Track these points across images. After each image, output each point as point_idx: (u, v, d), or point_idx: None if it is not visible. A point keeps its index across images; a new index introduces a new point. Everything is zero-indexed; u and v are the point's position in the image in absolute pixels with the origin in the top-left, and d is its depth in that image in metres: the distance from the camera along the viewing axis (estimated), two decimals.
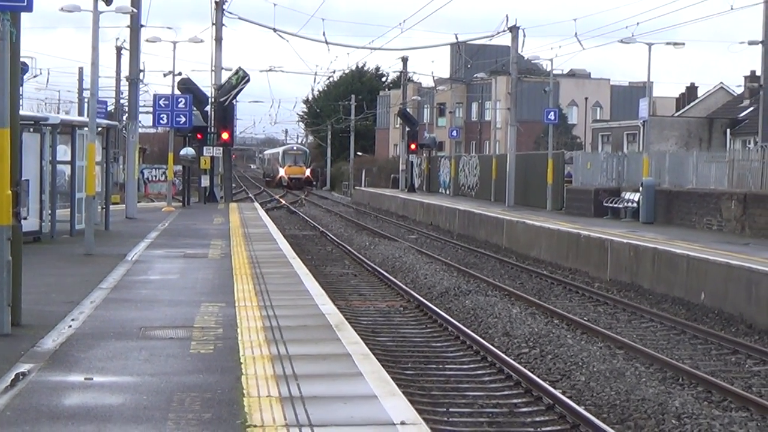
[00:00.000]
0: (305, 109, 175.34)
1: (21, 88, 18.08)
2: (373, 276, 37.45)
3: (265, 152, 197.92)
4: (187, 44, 63.29)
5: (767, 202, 39.62)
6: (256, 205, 70.98)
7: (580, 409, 17.34)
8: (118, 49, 75.71)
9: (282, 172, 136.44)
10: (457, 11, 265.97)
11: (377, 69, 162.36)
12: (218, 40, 64.37)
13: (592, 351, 23.04)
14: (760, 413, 17.92)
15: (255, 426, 10.95)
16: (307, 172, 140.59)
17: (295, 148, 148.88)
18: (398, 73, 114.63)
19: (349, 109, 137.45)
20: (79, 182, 36.60)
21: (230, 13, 64.80)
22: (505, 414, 17.88)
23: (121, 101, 68.19)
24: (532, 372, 20.26)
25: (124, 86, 63.31)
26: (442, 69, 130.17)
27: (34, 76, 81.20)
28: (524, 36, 65.84)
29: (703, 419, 17.08)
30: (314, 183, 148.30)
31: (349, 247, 47.71)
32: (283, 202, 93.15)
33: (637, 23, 68.62)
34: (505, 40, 68.30)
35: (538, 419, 17.53)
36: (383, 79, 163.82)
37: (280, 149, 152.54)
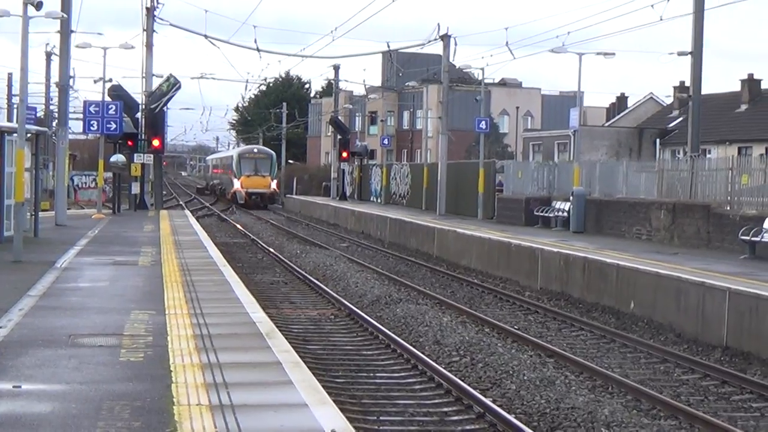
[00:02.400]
0: (236, 117, 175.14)
1: None
2: (304, 284, 37.43)
3: (211, 157, 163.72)
4: (118, 50, 62.87)
5: (696, 211, 39.97)
6: (187, 212, 70.71)
7: (511, 418, 17.41)
8: (48, 55, 75.62)
9: (237, 184, 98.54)
10: (388, 20, 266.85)
11: (298, 78, 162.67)
12: (149, 46, 64.24)
13: (523, 359, 23.14)
14: (688, 421, 18.06)
15: None
16: (273, 185, 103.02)
17: (255, 150, 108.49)
18: (329, 81, 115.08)
19: (280, 116, 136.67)
20: (8, 189, 36.24)
21: (161, 19, 64.72)
22: (436, 422, 17.93)
23: (51, 107, 67.95)
24: (462, 380, 20.32)
25: (54, 92, 63.10)
26: (374, 77, 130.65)
27: None
28: (456, 45, 66.02)
29: (633, 428, 17.22)
30: (278, 199, 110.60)
31: (280, 255, 47.67)
32: (214, 209, 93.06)
33: (568, 33, 68.81)
34: (437, 48, 68.65)
35: (468, 427, 17.58)
36: (306, 87, 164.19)
37: (234, 152, 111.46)
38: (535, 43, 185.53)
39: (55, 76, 61.30)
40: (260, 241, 55.83)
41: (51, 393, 12.96)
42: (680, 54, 48.94)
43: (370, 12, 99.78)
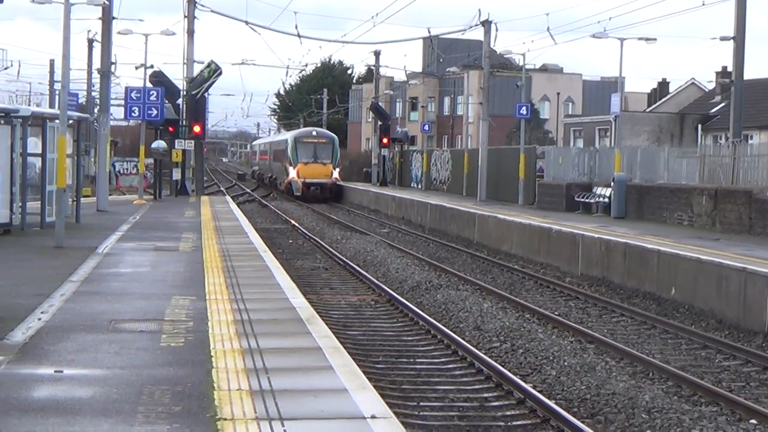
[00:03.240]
0: (277, 103, 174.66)
1: None
2: (344, 270, 37.44)
3: (258, 142, 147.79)
4: (159, 37, 63.31)
5: (738, 197, 39.74)
6: (228, 198, 70.95)
7: (551, 404, 17.36)
8: (90, 42, 75.53)
9: (293, 173, 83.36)
10: (429, 5, 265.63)
11: (341, 63, 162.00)
12: (190, 32, 64.33)
13: (563, 345, 23.08)
14: (729, 408, 17.97)
15: (225, 419, 10.93)
16: (335, 174, 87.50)
17: (314, 133, 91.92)
18: (369, 67, 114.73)
19: (321, 102, 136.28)
20: (50, 175, 36.42)
21: (202, 5, 64.84)
22: (476, 408, 17.89)
23: (93, 94, 68.01)
24: (503, 366, 20.27)
25: (96, 79, 63.10)
26: (415, 63, 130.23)
27: (5, 68, 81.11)
28: (497, 30, 65.93)
29: (673, 414, 17.12)
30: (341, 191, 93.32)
31: (320, 241, 47.70)
32: (255, 195, 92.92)
33: (609, 18, 68.78)
34: (478, 34, 68.40)
35: (508, 413, 17.54)
36: (349, 71, 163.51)
37: (289, 135, 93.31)
38: (577, 28, 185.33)
39: (96, 63, 61.39)
40: (301, 227, 55.89)
41: (92, 378, 13.00)
42: (722, 39, 48.62)
43: None
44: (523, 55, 71.64)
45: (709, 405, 18.25)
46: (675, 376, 20.21)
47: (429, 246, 48.23)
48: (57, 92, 59.52)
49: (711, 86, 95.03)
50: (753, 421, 17.17)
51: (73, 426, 10.72)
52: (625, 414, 17.28)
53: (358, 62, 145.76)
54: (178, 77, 64.76)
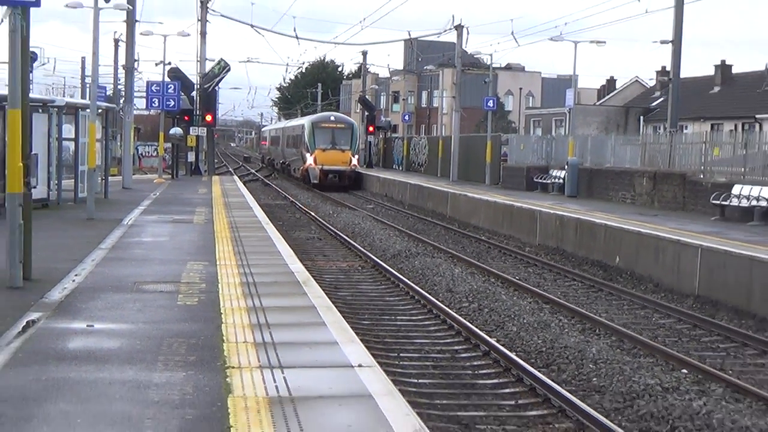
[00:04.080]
0: (278, 96, 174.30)
1: (31, 74, 18.03)
2: (335, 240, 37.43)
3: (270, 127, 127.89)
4: (176, 37, 63.41)
5: (673, 179, 39.90)
6: (235, 178, 70.70)
7: (512, 355, 17.45)
8: (116, 41, 75.32)
9: (310, 160, 71.65)
10: (409, 11, 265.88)
11: (333, 61, 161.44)
12: (203, 34, 64.18)
13: (523, 305, 23.17)
14: (664, 359, 18.10)
15: (233, 367, 11.01)
16: (354, 161, 74.54)
17: (332, 118, 77.96)
18: (358, 65, 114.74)
19: (315, 95, 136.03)
20: (82, 156, 36.62)
21: (213, 10, 64.69)
22: (448, 359, 18.00)
23: (119, 87, 67.84)
24: (471, 323, 20.36)
25: (121, 74, 63.05)
26: (397, 62, 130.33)
27: (42, 65, 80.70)
28: (468, 34, 65.97)
29: (616, 364, 17.23)
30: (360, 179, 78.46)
31: (315, 215, 47.62)
32: (259, 175, 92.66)
33: (565, 23, 69.69)
34: (452, 37, 68.10)
35: (475, 363, 17.64)
36: (340, 69, 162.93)
37: (306, 121, 78.76)
38: (537, 32, 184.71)
39: (121, 60, 61.31)
40: (298, 203, 55.79)
41: (118, 331, 13.08)
42: (662, 42, 48.55)
43: (393, 5, 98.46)
44: (491, 55, 71.67)
45: (647, 357, 18.38)
46: (618, 332, 20.34)
47: (408, 220, 48.19)
48: (88, 85, 59.42)
49: (652, 83, 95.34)
50: (684, 370, 17.26)
51: (102, 372, 10.79)
52: (575, 364, 17.38)
53: (348, 61, 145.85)
54: (192, 73, 64.74)
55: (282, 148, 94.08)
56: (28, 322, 13.26)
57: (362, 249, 33.43)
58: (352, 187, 70.60)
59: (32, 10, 17.19)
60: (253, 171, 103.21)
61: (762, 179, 34.07)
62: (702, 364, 17.61)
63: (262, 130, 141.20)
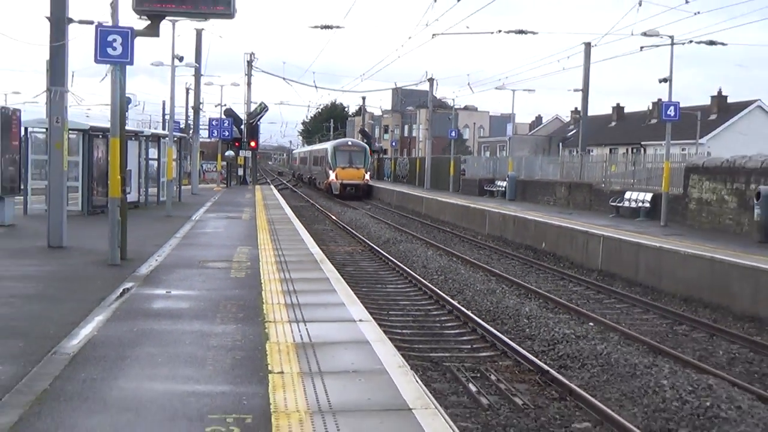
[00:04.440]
0: (302, 128, 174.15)
1: (126, 113, 17.96)
2: (343, 231, 37.34)
3: (299, 150, 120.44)
4: (229, 86, 63.31)
5: (583, 187, 39.95)
6: (272, 187, 70.65)
7: (469, 312, 17.46)
8: (187, 89, 75.00)
9: (332, 176, 69.10)
10: (396, 68, 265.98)
11: (341, 104, 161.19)
12: (248, 84, 64.07)
13: (476, 278, 23.13)
14: (576, 315, 18.13)
15: (270, 321, 11.06)
16: (366, 177, 71.29)
17: (350, 143, 75.24)
18: (359, 107, 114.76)
19: (329, 128, 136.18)
20: (163, 171, 36.83)
21: (256, 67, 64.42)
22: (423, 315, 17.96)
23: (189, 121, 67.80)
24: (439, 290, 20.35)
25: (190, 112, 63.02)
26: (386, 104, 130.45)
27: (135, 106, 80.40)
28: (437, 84, 66.30)
29: (543, 319, 17.22)
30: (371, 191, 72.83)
31: (329, 213, 47.53)
32: (289, 185, 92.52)
33: (506, 77, 69.47)
34: (426, 86, 68.10)
35: (442, 319, 17.62)
36: (345, 110, 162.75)
37: (329, 145, 75.26)
38: (487, 83, 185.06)
39: (191, 102, 61.32)
40: (317, 205, 55.62)
41: (188, 296, 13.10)
42: (575, 90, 48.81)
43: (384, 64, 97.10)
44: (453, 99, 72.87)
45: (565, 314, 18.39)
46: (544, 297, 20.33)
47: (394, 216, 48.04)
48: (167, 121, 59.51)
49: (567, 119, 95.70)
50: (591, 324, 17.31)
51: (177, 325, 10.83)
52: (514, 319, 17.37)
53: (352, 103, 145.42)
54: (241, 111, 64.57)
55: (309, 165, 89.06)
56: (123, 290, 13.30)
57: (362, 237, 33.35)
58: (365, 196, 65.65)
59: (127, 67, 17.19)
60: (284, 182, 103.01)
61: (645, 187, 34.21)
62: (603, 319, 17.65)
63: (293, 152, 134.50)
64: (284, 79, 66.60)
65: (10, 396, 7.70)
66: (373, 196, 66.48)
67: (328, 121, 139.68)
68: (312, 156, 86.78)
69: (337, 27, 52.68)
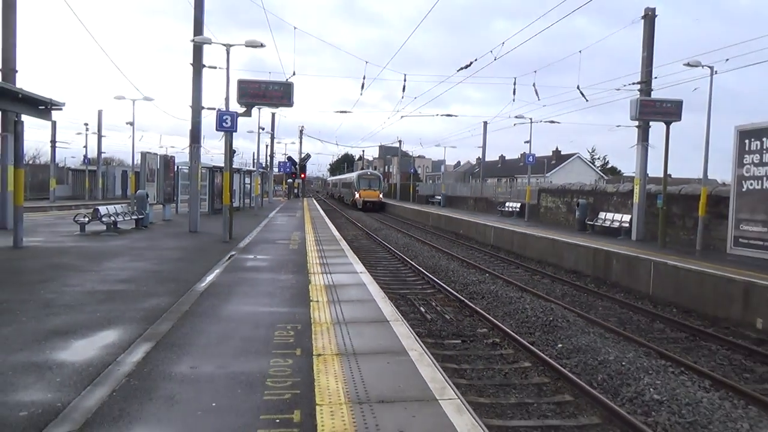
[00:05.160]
0: (329, 167, 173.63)
1: (233, 159, 17.83)
2: (350, 223, 37.06)
3: (333, 178, 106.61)
4: (290, 144, 62.85)
5: (483, 200, 39.81)
6: (313, 199, 70.41)
7: (420, 267, 17.30)
8: (267, 145, 74.95)
9: (357, 195, 60.96)
10: (384, 134, 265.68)
11: (350, 154, 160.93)
12: (300, 142, 64.19)
13: (424, 249, 22.78)
14: (478, 270, 18.02)
15: (311, 273, 10.94)
16: (380, 196, 61.45)
17: (369, 173, 66.02)
18: (360, 155, 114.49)
19: (344, 168, 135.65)
20: (253, 190, 36.45)
21: (308, 134, 64.73)
22: (398, 270, 17.79)
23: (268, 163, 67.47)
24: (404, 255, 20.12)
25: (268, 158, 62.72)
26: (376, 153, 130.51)
27: (237, 155, 79.93)
28: (402, 143, 66.08)
29: (460, 271, 17.13)
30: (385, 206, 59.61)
31: (343, 214, 47.14)
32: (322, 197, 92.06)
33: (443, 139, 69.10)
34: (397, 144, 68.07)
35: (407, 272, 17.47)
36: (353, 156, 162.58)
37: (355, 174, 67.70)
38: (431, 142, 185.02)
39: (269, 152, 61.14)
40: (337, 209, 55.21)
41: (266, 258, 12.93)
42: (478, 147, 48.56)
43: (374, 132, 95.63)
44: (413, 151, 72.97)
45: (473, 269, 18.19)
46: (460, 260, 20.04)
47: (380, 215, 47.96)
48: (255, 163, 59.22)
49: (474, 162, 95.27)
50: (487, 274, 17.15)
51: (259, 275, 10.70)
52: (444, 272, 17.20)
53: (356, 153, 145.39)
54: (296, 158, 64.31)
55: (339, 188, 77.48)
56: (230, 255, 13.15)
57: (361, 226, 33.09)
58: (380, 210, 54.40)
59: (233, 133, 17.06)
60: (321, 197, 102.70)
61: (517, 200, 34.15)
62: (494, 272, 17.49)
63: (327, 179, 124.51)
64: (320, 140, 67.25)
65: (167, 314, 7.63)
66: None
67: (344, 163, 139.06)
68: (341, 181, 76.48)
69: (349, 112, 57.03)
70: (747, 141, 15.83)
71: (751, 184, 15.60)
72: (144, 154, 22.97)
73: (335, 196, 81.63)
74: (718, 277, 12.40)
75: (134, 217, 20.06)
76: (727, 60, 17.20)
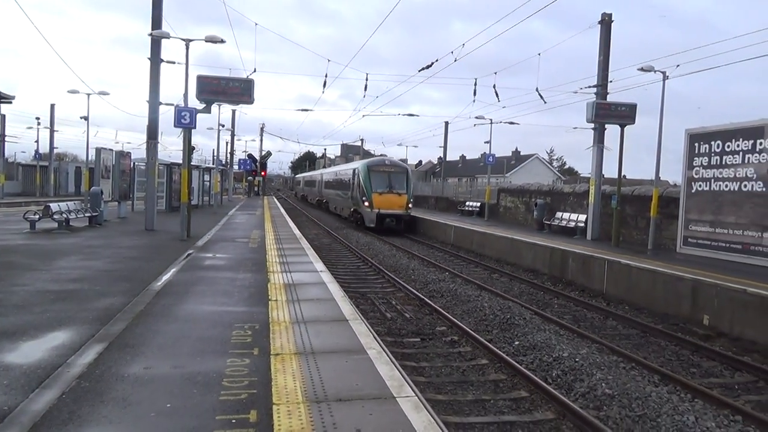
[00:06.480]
0: (290, 165, 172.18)
1: (191, 155, 17.51)
2: (312, 222, 36.70)
3: (308, 174, 74.44)
4: (251, 141, 61.97)
5: (444, 199, 40.07)
6: (274, 197, 69.66)
7: (381, 267, 17.34)
8: (227, 143, 74.00)
9: (364, 203, 27.49)
10: (344, 132, 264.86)
11: (311, 152, 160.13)
12: (261, 141, 63.51)
13: (385, 248, 22.81)
14: (438, 269, 18.12)
15: (270, 272, 10.82)
16: (410, 205, 27.86)
17: (388, 162, 28.23)
18: (322, 153, 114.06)
19: (305, 167, 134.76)
20: (212, 187, 35.84)
21: (266, 131, 63.92)
22: (358, 267, 17.78)
23: (228, 160, 66.51)
24: (364, 254, 20.15)
25: (227, 155, 61.90)
26: (338, 152, 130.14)
27: (196, 151, 78.60)
28: (365, 141, 66.20)
29: (421, 270, 17.18)
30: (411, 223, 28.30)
31: (303, 211, 46.85)
32: (282, 195, 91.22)
33: (403, 138, 69.41)
34: (359, 143, 68.11)
35: (368, 270, 17.50)
36: (314, 155, 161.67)
37: (360, 165, 28.82)
38: (392, 142, 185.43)
39: (228, 149, 60.27)
40: (297, 207, 54.97)
41: (225, 257, 12.75)
42: (440, 146, 48.97)
43: (337, 130, 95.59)
44: (375, 151, 71.99)
45: (433, 268, 18.32)
46: (421, 258, 20.17)
47: (336, 214, 47.86)
48: (215, 160, 58.29)
49: (436, 162, 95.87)
50: (446, 273, 17.26)
51: (218, 273, 10.54)
52: (405, 270, 17.29)
53: (318, 152, 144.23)
54: (257, 155, 63.61)
55: (319, 188, 51.23)
56: (188, 254, 12.93)
57: (322, 225, 32.83)
58: (407, 230, 29.88)
59: (192, 129, 16.76)
60: (279, 193, 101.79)
61: (477, 199, 34.51)
62: (453, 270, 17.66)
63: (296, 177, 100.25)
64: (281, 137, 66.26)
65: (121, 314, 7.46)
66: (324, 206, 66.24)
67: (305, 161, 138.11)
68: (336, 179, 41.59)
69: (311, 110, 56.14)
70: (697, 144, 16.41)
71: (700, 186, 16.17)
72: (99, 150, 22.35)
73: (309, 199, 59.10)
74: (668, 275, 12.82)
75: (88, 214, 19.52)
76: (678, 66, 17.73)
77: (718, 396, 7.66)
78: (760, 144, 14.54)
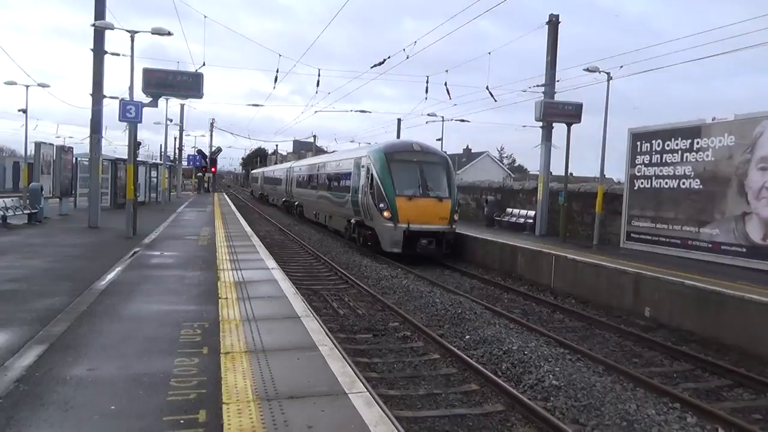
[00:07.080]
0: (241, 162, 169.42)
1: (137, 150, 16.96)
2: (264, 219, 36.25)
3: (266, 169, 62.78)
4: (200, 137, 60.78)
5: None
6: (224, 194, 68.48)
7: (333, 263, 17.25)
8: (175, 138, 72.28)
9: (384, 215, 14.56)
10: (298, 127, 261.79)
11: (263, 148, 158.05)
12: (211, 136, 62.21)
13: (337, 245, 22.78)
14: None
15: (220, 270, 10.67)
16: (456, 217, 15.18)
17: (417, 147, 15.05)
18: (274, 150, 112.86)
19: (257, 163, 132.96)
20: (159, 184, 34.98)
21: (216, 126, 62.78)
22: (312, 265, 17.66)
23: (176, 155, 65.12)
24: (317, 251, 20.00)
25: (176, 151, 60.62)
26: (290, 148, 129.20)
27: (142, 147, 76.48)
28: (317, 137, 65.97)
29: (374, 268, 17.23)
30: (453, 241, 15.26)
31: (255, 209, 46.14)
32: (232, 192, 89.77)
33: (355, 135, 69.38)
34: (311, 139, 67.65)
35: (322, 268, 17.34)
36: (266, 151, 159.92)
37: (371, 151, 15.57)
38: (344, 138, 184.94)
39: (177, 144, 58.96)
40: (249, 205, 54.22)
41: (173, 255, 12.50)
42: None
43: (289, 126, 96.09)
44: (328, 147, 71.88)
45: (384, 264, 18.47)
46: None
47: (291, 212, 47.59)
48: (162, 155, 56.91)
49: None
50: (399, 269, 17.34)
51: (166, 272, 10.33)
52: (358, 268, 17.29)
53: (270, 148, 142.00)
54: (207, 151, 62.40)
55: (289, 187, 37.95)
56: (134, 252, 12.60)
57: (275, 222, 32.50)
58: (449, 256, 17.72)
59: (138, 124, 16.31)
60: (230, 190, 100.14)
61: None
62: (407, 267, 17.76)
63: (253, 172, 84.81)
64: (232, 133, 65.74)
65: (62, 315, 7.21)
66: (281, 206, 65.09)
67: (257, 158, 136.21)
68: (331, 174, 24.66)
69: (261, 105, 55.84)
70: (639, 143, 17.02)
71: (642, 183, 16.79)
72: (38, 144, 21.42)
73: (272, 200, 47.45)
74: (611, 269, 13.26)
75: (27, 211, 18.75)
76: (621, 67, 18.32)
77: (658, 384, 7.98)
78: (697, 143, 15.19)
